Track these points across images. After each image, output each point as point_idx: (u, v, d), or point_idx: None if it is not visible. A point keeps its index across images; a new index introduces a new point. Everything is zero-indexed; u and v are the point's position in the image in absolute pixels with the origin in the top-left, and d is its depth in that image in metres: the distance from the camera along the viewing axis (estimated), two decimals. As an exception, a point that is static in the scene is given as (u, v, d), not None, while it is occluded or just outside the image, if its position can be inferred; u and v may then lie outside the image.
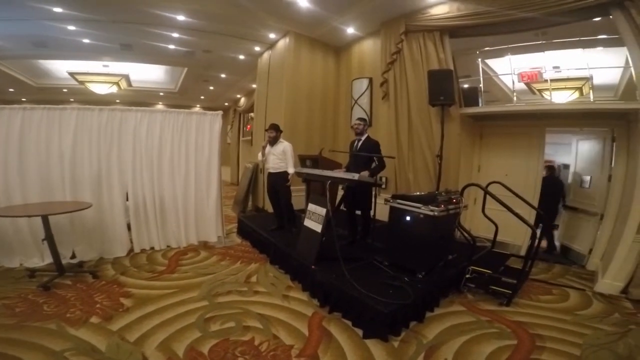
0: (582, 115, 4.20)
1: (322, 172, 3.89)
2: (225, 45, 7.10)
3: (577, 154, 4.79)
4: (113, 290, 3.15)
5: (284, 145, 4.52)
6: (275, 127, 4.52)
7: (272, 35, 6.52)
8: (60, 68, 8.92)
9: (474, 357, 2.26)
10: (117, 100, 12.92)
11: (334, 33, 6.18)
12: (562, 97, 4.53)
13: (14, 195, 3.68)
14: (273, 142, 4.50)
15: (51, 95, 11.44)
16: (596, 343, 2.45)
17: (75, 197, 3.89)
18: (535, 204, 4.37)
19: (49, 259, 3.58)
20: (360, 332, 2.52)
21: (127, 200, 4.32)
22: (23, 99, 11.97)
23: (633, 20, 3.33)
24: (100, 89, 9.39)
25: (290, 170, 4.42)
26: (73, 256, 3.89)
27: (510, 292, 3.09)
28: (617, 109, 3.83)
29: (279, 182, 4.50)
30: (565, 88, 4.53)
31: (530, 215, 4.29)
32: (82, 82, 9.14)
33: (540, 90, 4.80)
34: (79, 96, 11.76)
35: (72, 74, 8.91)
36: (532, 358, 2.25)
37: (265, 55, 7.32)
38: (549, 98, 4.63)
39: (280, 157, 4.48)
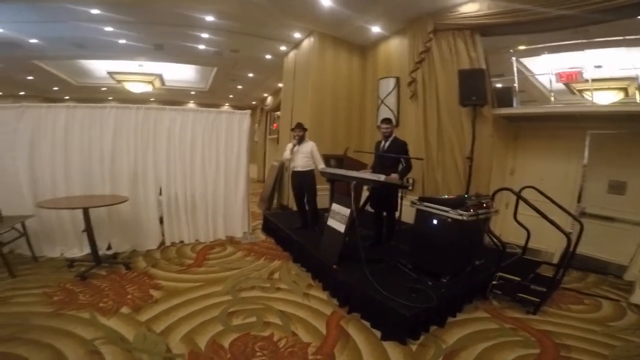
0: (626, 117, 3.90)
1: (347, 172, 3.88)
2: (252, 45, 7.23)
3: (589, 155, 4.37)
4: (144, 281, 3.33)
5: (310, 145, 4.58)
6: (301, 126, 4.59)
7: (297, 35, 6.58)
8: (99, 68, 9.46)
9: None
10: (152, 99, 13.54)
11: (358, 32, 6.13)
12: (605, 98, 4.23)
13: (59, 188, 3.97)
14: (300, 140, 4.56)
15: (91, 94, 12.15)
16: (625, 355, 2.34)
17: (113, 192, 4.13)
18: (573, 210, 4.13)
19: (87, 250, 3.84)
20: (378, 333, 2.51)
21: (160, 195, 4.53)
22: (66, 97, 12.83)
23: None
24: (136, 87, 9.89)
25: (321, 166, 4.49)
26: (109, 247, 4.14)
27: (538, 300, 2.96)
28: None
29: (305, 181, 4.55)
30: (609, 88, 4.22)
31: (567, 222, 4.06)
32: (119, 81, 9.66)
33: (580, 91, 4.51)
34: (116, 94, 12.44)
35: (110, 74, 9.43)
36: None
37: (291, 54, 7.39)
38: (590, 99, 4.34)
39: (308, 156, 4.54)
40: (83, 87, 11.32)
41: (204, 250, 4.37)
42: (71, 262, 3.63)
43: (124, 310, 2.73)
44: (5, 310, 2.65)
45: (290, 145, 4.61)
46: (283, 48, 7.38)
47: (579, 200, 4.37)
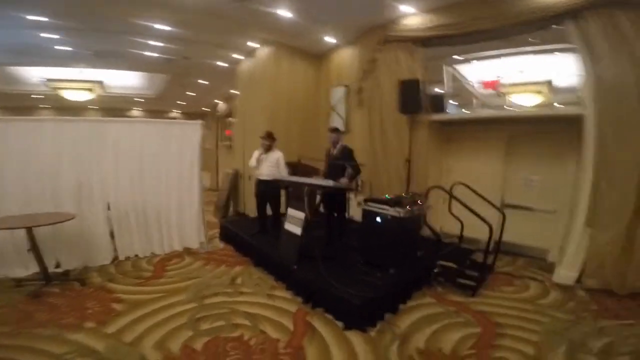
0: (541, 120, 4.60)
1: (299, 179, 4.12)
2: (205, 52, 7.18)
3: (509, 153, 4.95)
4: (103, 296, 3.25)
5: (277, 154, 4.68)
6: (270, 136, 4.67)
7: (251, 44, 6.68)
8: (32, 74, 8.66)
9: (443, 344, 2.52)
10: (91, 107, 12.47)
11: (313, 42, 6.39)
12: (525, 100, 4.96)
13: (-6, 207, 3.67)
14: (268, 149, 4.66)
15: (19, 102, 10.88)
16: (552, 329, 2.72)
17: (56, 208, 3.90)
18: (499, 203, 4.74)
19: (33, 269, 3.61)
20: (341, 324, 2.76)
21: (109, 209, 4.36)
22: None
23: (582, 31, 3.70)
24: (74, 95, 9.16)
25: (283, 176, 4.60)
26: (57, 265, 3.91)
27: (474, 284, 3.40)
28: (565, 115, 4.26)
29: (269, 189, 4.63)
30: (526, 91, 4.96)
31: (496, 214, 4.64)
32: (54, 89, 8.90)
33: (505, 94, 5.23)
34: (50, 102, 11.33)
35: (45, 80, 8.66)
36: (494, 344, 2.52)
37: (246, 62, 7.44)
38: (513, 102, 5.05)
39: (273, 165, 4.62)
40: (11, 95, 10.11)
41: (161, 262, 4.30)
42: (18, 282, 3.41)
43: (88, 324, 2.69)
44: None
45: (256, 154, 4.68)
46: (237, 56, 7.40)
47: (502, 194, 5.03)
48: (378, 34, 5.43)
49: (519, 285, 3.69)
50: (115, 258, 4.33)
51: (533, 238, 4.68)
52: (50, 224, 3.41)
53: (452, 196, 3.60)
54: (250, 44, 6.67)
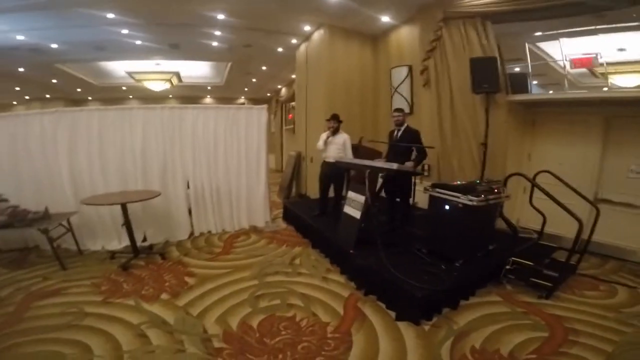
0: None
1: (361, 161, 4.04)
2: (263, 39, 7.31)
3: (609, 140, 4.23)
4: (178, 270, 3.64)
5: (344, 137, 4.70)
6: (336, 118, 4.68)
7: (306, 28, 6.65)
8: (119, 68, 9.79)
9: (502, 345, 2.31)
10: (170, 96, 13.83)
11: (368, 22, 6.13)
12: (628, 82, 4.11)
13: (97, 186, 4.31)
14: (335, 132, 4.68)
15: (112, 93, 12.57)
16: (635, 341, 2.35)
17: (145, 187, 4.44)
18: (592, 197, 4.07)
19: (125, 242, 4.18)
20: (393, 314, 2.71)
21: (188, 188, 4.83)
22: (89, 98, 13.37)
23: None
24: (155, 86, 10.25)
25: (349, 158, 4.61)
26: (144, 239, 4.47)
27: (551, 285, 3.01)
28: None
29: (336, 172, 4.64)
30: (630, 72, 4.10)
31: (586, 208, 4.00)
32: (138, 81, 10.03)
33: (603, 74, 4.40)
34: (136, 93, 12.85)
35: (129, 74, 9.77)
36: (560, 351, 2.25)
37: (302, 47, 7.45)
38: (611, 82, 4.23)
39: (340, 148, 4.64)
40: (104, 88, 11.73)
41: (230, 239, 4.66)
42: (112, 254, 3.97)
43: (164, 296, 3.03)
44: (62, 300, 2.99)
45: (324, 136, 4.72)
46: (294, 41, 7.45)
47: (598, 186, 4.31)
48: (439, 11, 4.98)
49: (604, 290, 3.18)
50: (192, 234, 4.81)
51: (629, 238, 3.97)
52: (140, 201, 3.85)
53: (536, 186, 3.17)
54: (304, 28, 6.64)
